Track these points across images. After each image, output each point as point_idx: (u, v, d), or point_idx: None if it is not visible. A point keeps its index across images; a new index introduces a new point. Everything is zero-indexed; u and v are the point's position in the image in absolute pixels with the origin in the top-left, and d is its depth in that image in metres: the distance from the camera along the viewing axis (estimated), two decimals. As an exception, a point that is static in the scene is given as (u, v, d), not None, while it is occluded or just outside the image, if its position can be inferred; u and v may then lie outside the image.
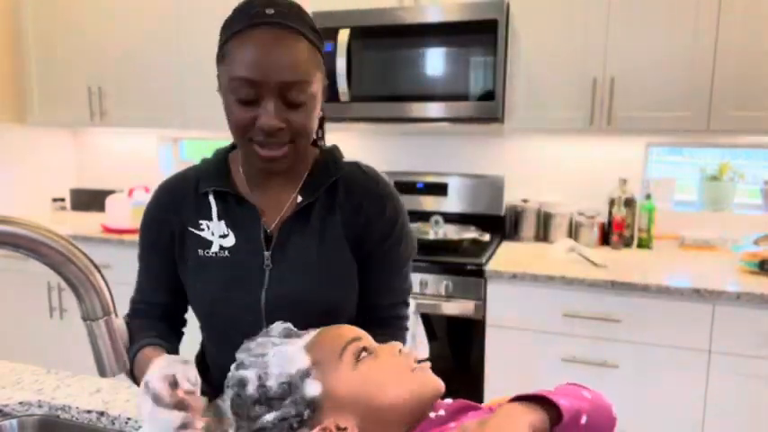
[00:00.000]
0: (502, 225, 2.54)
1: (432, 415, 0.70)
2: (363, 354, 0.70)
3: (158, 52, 2.69)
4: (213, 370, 0.99)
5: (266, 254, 0.90)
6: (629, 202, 2.35)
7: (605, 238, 2.42)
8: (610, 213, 2.39)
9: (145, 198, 2.64)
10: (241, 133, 0.84)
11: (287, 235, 0.91)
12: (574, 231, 2.47)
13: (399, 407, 0.67)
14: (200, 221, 0.93)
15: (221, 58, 0.86)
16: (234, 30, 0.82)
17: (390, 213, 0.94)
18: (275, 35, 0.80)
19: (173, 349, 0.92)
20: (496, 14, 2.12)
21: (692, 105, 2.04)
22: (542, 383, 2.18)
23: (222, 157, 0.98)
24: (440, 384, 0.71)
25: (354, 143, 2.76)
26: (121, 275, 2.57)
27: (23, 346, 2.78)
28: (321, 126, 1.01)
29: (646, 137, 2.42)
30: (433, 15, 2.18)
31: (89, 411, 0.94)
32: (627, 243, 2.38)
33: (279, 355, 0.70)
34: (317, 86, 0.86)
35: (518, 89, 2.22)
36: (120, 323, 0.67)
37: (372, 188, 0.95)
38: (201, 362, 1.04)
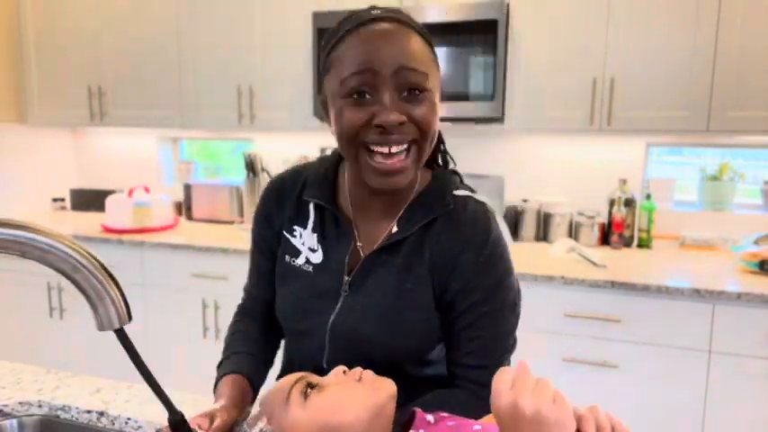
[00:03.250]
0: (502, 225, 2.54)
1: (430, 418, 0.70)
2: (309, 390, 0.69)
3: (158, 52, 2.69)
4: (291, 369, 0.97)
5: (346, 278, 0.86)
6: (629, 202, 2.36)
7: (605, 238, 2.42)
8: (610, 213, 2.39)
9: (145, 198, 2.65)
10: (353, 136, 0.77)
11: (372, 265, 0.85)
12: (574, 231, 2.47)
13: (361, 420, 0.67)
14: (295, 227, 0.91)
15: (327, 69, 0.79)
16: (344, 30, 0.77)
17: (484, 264, 0.83)
18: (389, 28, 0.75)
19: (252, 368, 0.92)
20: (496, 14, 2.12)
21: (691, 105, 2.05)
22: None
23: (334, 164, 0.93)
24: (390, 384, 0.71)
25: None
26: (121, 275, 2.57)
27: (23, 346, 2.78)
28: (439, 146, 0.92)
29: (646, 137, 2.42)
30: (433, 15, 2.18)
31: (89, 411, 0.94)
32: (627, 243, 2.38)
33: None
34: (435, 83, 0.79)
35: (518, 89, 2.22)
36: None
37: (470, 232, 0.83)
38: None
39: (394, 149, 0.76)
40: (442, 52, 2.21)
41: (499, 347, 0.87)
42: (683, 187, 2.59)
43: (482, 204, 0.87)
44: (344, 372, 0.72)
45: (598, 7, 2.10)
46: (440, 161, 0.94)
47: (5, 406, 0.96)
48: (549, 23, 2.16)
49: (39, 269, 2.69)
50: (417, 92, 0.75)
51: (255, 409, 0.73)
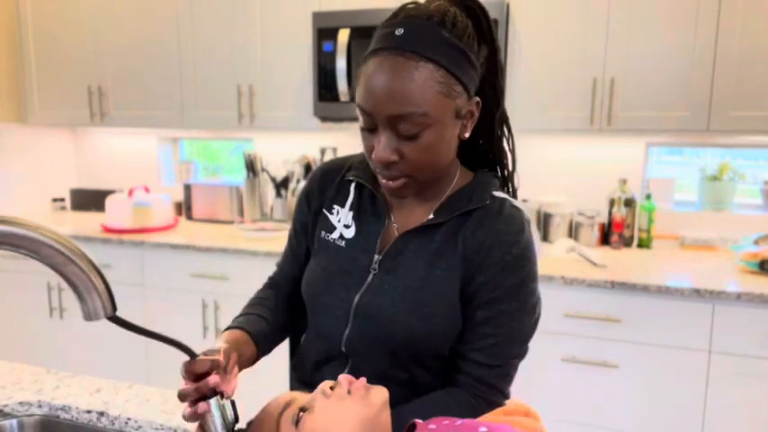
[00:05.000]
0: (502, 225, 2.54)
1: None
2: (300, 414, 0.68)
3: (158, 52, 2.69)
4: (306, 351, 0.99)
5: (377, 257, 0.88)
6: (629, 202, 2.36)
7: (605, 238, 2.42)
8: (610, 213, 2.39)
9: (145, 198, 2.65)
10: (367, 158, 0.84)
11: (404, 245, 0.87)
12: (574, 231, 2.47)
13: None
14: (334, 206, 0.95)
15: (357, 78, 0.81)
16: (367, 52, 0.79)
17: (510, 262, 0.83)
18: (391, 63, 0.74)
19: (255, 327, 0.93)
20: (496, 14, 2.12)
21: (691, 105, 2.05)
22: (542, 383, 2.19)
23: None
24: (381, 391, 0.70)
25: (354, 143, 2.76)
26: (121, 275, 2.59)
27: (23, 346, 2.78)
28: (500, 146, 0.97)
29: (646, 137, 2.42)
30: (433, 15, 2.17)
31: (89, 411, 0.94)
32: (627, 243, 2.38)
33: None
34: (441, 114, 0.76)
35: (518, 89, 2.22)
36: None
37: (503, 230, 0.84)
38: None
39: (391, 179, 0.82)
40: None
41: (510, 350, 0.86)
42: (683, 187, 2.59)
43: (519, 210, 0.89)
44: (331, 387, 0.70)
45: (598, 8, 2.10)
46: (508, 162, 1.00)
47: (5, 406, 0.96)
48: (549, 23, 2.16)
49: (39, 269, 2.70)
50: (409, 135, 0.77)
51: None
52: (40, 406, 0.97)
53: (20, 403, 0.96)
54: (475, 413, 0.80)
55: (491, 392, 0.86)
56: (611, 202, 2.39)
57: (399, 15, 0.79)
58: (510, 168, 0.99)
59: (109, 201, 2.67)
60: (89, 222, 2.85)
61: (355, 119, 2.38)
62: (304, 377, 0.98)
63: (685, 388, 1.87)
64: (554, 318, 1.96)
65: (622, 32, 2.08)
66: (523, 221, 0.87)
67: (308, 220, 0.98)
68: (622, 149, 2.47)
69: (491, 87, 0.88)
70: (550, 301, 1.96)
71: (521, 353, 0.88)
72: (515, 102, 2.22)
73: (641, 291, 1.86)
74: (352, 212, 0.92)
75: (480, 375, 0.85)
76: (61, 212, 3.19)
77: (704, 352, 1.83)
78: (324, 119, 2.45)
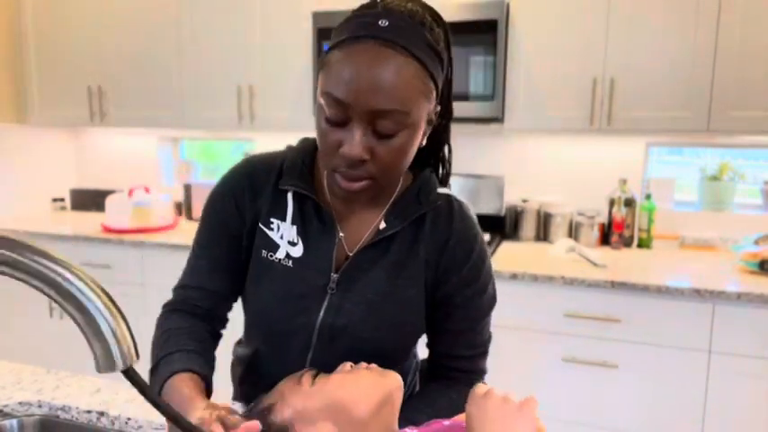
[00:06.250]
0: (502, 225, 2.54)
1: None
2: (319, 375, 0.72)
3: (158, 52, 2.69)
4: (256, 373, 0.92)
5: (334, 276, 0.82)
6: (629, 202, 2.35)
7: (605, 238, 2.42)
8: (610, 213, 2.39)
9: (145, 198, 2.65)
10: (325, 156, 0.75)
11: (361, 261, 0.82)
12: (574, 231, 2.47)
13: (370, 402, 0.67)
14: (272, 219, 0.84)
15: (322, 65, 0.74)
16: (340, 38, 0.71)
17: (477, 258, 0.85)
18: (377, 53, 0.68)
19: (208, 370, 0.82)
20: (496, 14, 2.12)
21: (692, 105, 2.04)
22: (542, 383, 2.19)
23: (309, 151, 0.87)
24: (397, 375, 0.73)
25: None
26: (121, 275, 2.58)
27: (23, 346, 2.78)
28: (446, 157, 0.91)
29: (646, 137, 2.42)
30: (433, 15, 2.17)
31: (89, 411, 0.94)
32: (627, 243, 2.38)
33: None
34: (419, 116, 0.73)
35: (518, 89, 2.22)
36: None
37: (461, 227, 0.85)
38: (239, 364, 0.97)
39: (353, 179, 0.74)
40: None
41: (486, 334, 0.91)
42: (683, 187, 2.59)
43: (463, 203, 0.89)
44: (351, 366, 0.73)
45: (598, 7, 2.10)
46: (449, 173, 0.93)
47: (5, 406, 0.96)
48: (548, 23, 2.16)
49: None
50: (387, 133, 0.71)
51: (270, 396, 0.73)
52: (40, 406, 0.97)
53: (20, 403, 0.96)
54: None
55: (480, 378, 0.91)
56: (611, 202, 2.38)
57: (377, 6, 0.73)
58: (448, 167, 0.93)
59: (109, 201, 2.67)
60: (89, 222, 2.85)
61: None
62: (256, 393, 0.84)
63: (685, 388, 1.87)
64: (554, 318, 1.96)
65: (622, 32, 2.08)
66: (471, 214, 0.88)
67: (239, 227, 0.86)
68: (622, 149, 2.47)
69: (446, 98, 0.83)
70: (550, 301, 1.96)
71: (489, 326, 0.92)
72: (515, 102, 2.22)
73: (641, 291, 1.86)
74: (295, 227, 0.83)
75: (471, 367, 0.90)
76: (61, 212, 3.19)
77: (704, 352, 1.83)
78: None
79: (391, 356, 0.86)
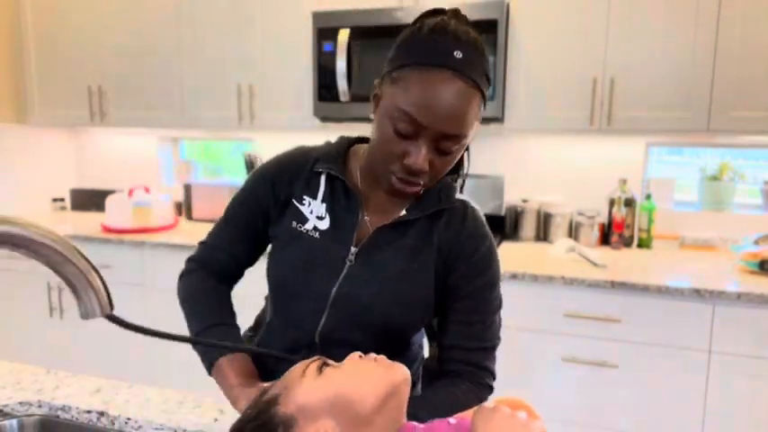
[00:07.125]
0: (502, 225, 2.54)
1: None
2: (325, 367, 0.71)
3: (158, 52, 2.69)
4: (270, 341, 1.01)
5: (353, 249, 0.91)
6: (629, 202, 2.36)
7: (605, 238, 2.42)
8: (610, 213, 2.39)
9: (145, 198, 2.65)
10: (385, 159, 0.84)
11: (380, 240, 0.91)
12: (574, 231, 2.47)
13: (376, 395, 0.67)
14: (305, 197, 0.94)
15: (394, 79, 0.81)
16: (418, 60, 0.79)
17: (484, 254, 0.92)
18: (457, 88, 0.78)
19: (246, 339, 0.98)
20: (496, 14, 2.12)
21: (692, 105, 2.05)
22: (542, 383, 2.18)
23: (345, 145, 0.98)
24: (405, 368, 0.72)
25: (354, 143, 2.76)
26: (121, 275, 2.58)
27: (23, 346, 2.78)
28: (464, 166, 1.00)
29: (646, 137, 2.42)
30: (433, 15, 2.17)
31: (89, 411, 0.94)
32: (627, 243, 2.38)
33: None
34: (471, 136, 0.86)
35: (518, 89, 2.22)
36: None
37: (472, 226, 0.93)
38: (257, 329, 1.10)
39: (409, 185, 0.85)
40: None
41: (494, 330, 0.95)
42: (683, 187, 2.59)
43: (476, 209, 0.97)
44: (360, 356, 0.72)
45: (598, 7, 2.10)
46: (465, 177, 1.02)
47: (5, 406, 0.96)
48: (549, 23, 2.16)
49: (38, 269, 2.69)
50: (448, 151, 0.82)
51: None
52: (40, 406, 0.97)
53: (20, 403, 0.96)
54: (479, 400, 0.85)
55: (487, 376, 0.93)
56: (611, 202, 2.39)
57: (447, 33, 0.79)
58: (465, 178, 1.03)
59: (109, 201, 2.67)
60: (89, 222, 2.85)
61: (355, 119, 2.39)
62: (267, 365, 0.97)
63: (685, 388, 1.87)
64: (554, 318, 1.96)
65: (622, 32, 2.08)
66: (483, 219, 0.96)
67: (269, 205, 0.97)
68: (622, 149, 2.47)
69: None
70: (550, 301, 1.96)
71: (499, 328, 0.96)
72: (515, 102, 2.22)
73: (641, 291, 1.86)
74: (325, 204, 0.93)
75: (477, 360, 0.92)
76: (61, 212, 3.19)
77: (704, 352, 1.83)
78: (324, 119, 2.45)
79: (397, 333, 0.93)
